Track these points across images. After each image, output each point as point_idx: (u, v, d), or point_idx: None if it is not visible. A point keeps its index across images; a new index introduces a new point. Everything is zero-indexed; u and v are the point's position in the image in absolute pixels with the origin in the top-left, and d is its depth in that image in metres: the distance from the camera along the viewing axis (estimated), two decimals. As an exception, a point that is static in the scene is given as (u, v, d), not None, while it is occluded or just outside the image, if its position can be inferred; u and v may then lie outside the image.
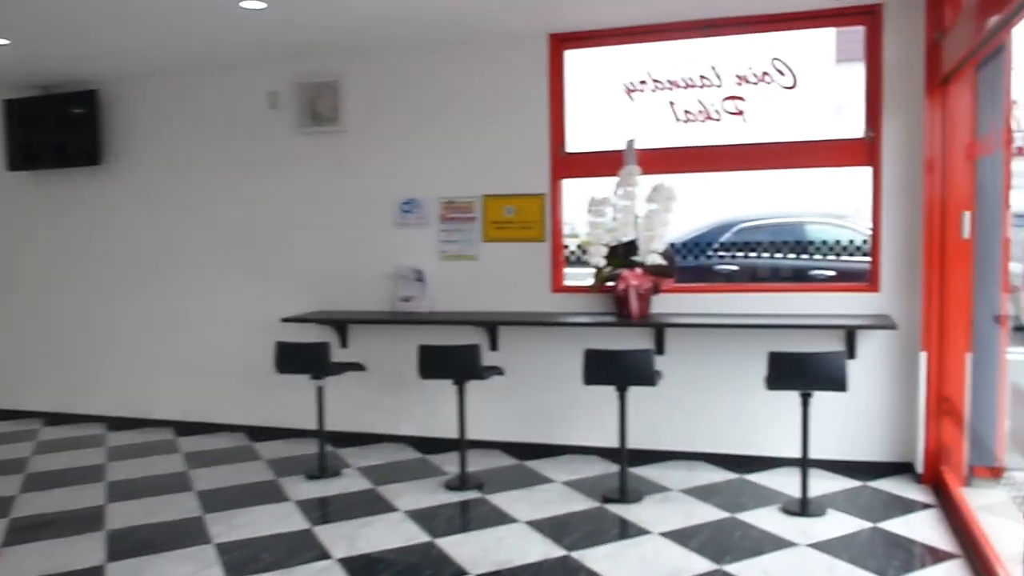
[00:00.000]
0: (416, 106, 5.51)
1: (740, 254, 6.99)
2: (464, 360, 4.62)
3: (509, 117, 5.31)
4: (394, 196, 5.58)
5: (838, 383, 4.01)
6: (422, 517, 4.27)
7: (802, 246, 6.95)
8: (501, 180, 5.35)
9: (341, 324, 5.61)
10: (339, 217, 5.72)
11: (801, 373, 4.07)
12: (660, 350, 4.95)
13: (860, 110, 4.78)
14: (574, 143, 5.30)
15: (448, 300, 5.46)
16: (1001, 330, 4.27)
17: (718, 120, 4.99)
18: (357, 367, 5.21)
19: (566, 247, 5.37)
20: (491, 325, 5.23)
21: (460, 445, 4.78)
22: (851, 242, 5.85)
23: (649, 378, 4.30)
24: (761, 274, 7.07)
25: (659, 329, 4.92)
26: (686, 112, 5.03)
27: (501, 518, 4.23)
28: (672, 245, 5.12)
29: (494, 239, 5.38)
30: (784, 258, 6.94)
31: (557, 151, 5.22)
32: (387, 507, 4.44)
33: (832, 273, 5.89)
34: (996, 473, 4.20)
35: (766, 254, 7.13)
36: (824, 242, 6.15)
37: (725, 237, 8.70)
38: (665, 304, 4.98)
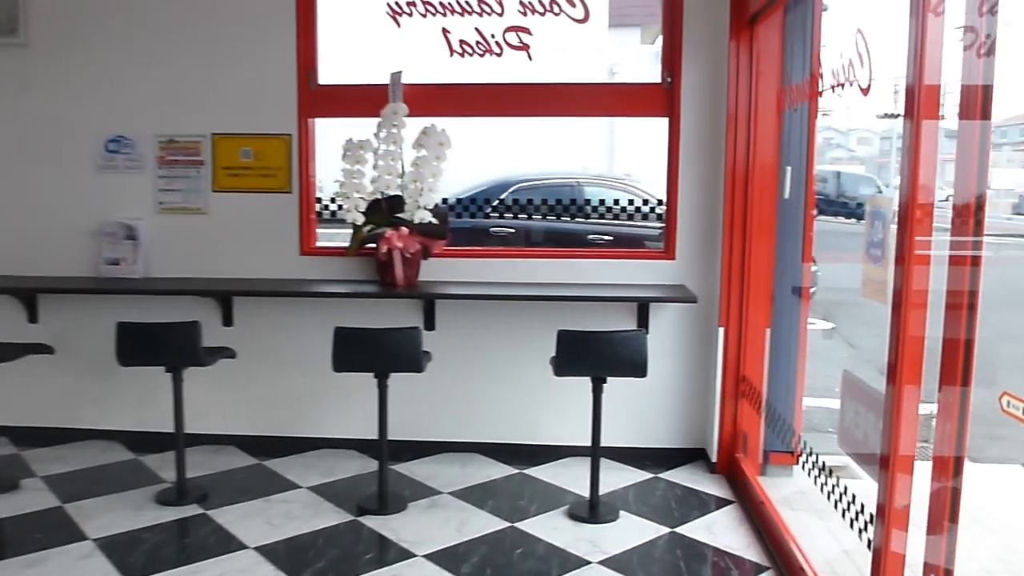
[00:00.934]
0: (127, 15, 4.34)
1: (520, 216, 6.37)
2: (179, 342, 3.61)
3: (247, 37, 4.29)
4: (97, 132, 4.39)
5: (638, 368, 3.42)
6: (118, 547, 3.26)
7: (580, 208, 6.46)
8: (236, 116, 4.32)
9: (27, 294, 4.37)
10: (23, 158, 4.43)
11: (596, 356, 3.46)
12: (429, 325, 4.19)
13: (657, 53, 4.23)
14: (328, 74, 4.37)
15: (169, 264, 4.39)
16: (802, 303, 3.87)
17: (499, 55, 4.24)
18: (43, 349, 4.04)
19: (319, 201, 4.44)
20: (223, 295, 4.24)
21: (176, 446, 3.78)
22: (631, 203, 5.29)
23: (415, 362, 3.52)
24: (537, 239, 6.54)
25: (429, 301, 4.15)
26: (462, 43, 4.24)
27: (224, 544, 3.30)
28: (445, 202, 4.34)
29: (227, 188, 4.36)
30: (566, 222, 6.41)
31: (306, 83, 4.28)
32: (73, 534, 3.39)
33: (609, 239, 5.39)
34: (791, 460, 3.83)
35: (544, 217, 6.57)
36: (603, 203, 5.62)
37: (503, 196, 8.08)
38: (435, 271, 4.22)
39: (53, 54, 4.39)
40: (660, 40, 4.39)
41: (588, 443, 3.61)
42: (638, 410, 4.21)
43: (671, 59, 4.14)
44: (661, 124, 4.22)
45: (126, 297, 4.26)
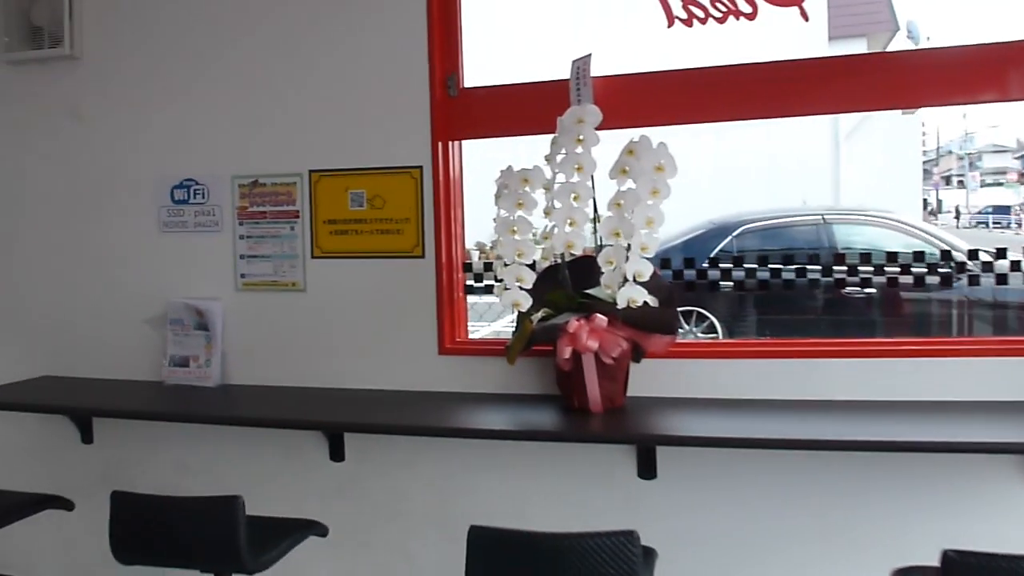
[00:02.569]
0: (196, 15, 3.01)
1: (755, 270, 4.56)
2: (207, 532, 2.10)
3: (354, 31, 2.83)
4: (161, 174, 3.06)
5: None
6: None
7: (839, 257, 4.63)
8: (343, 145, 2.86)
9: (78, 414, 3.08)
10: (67, 215, 3.18)
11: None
12: (647, 471, 2.50)
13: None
14: (477, 74, 2.85)
15: (254, 365, 2.97)
16: None
17: (750, 18, 2.53)
18: (60, 503, 2.69)
19: (468, 268, 2.88)
20: (330, 429, 2.74)
21: None
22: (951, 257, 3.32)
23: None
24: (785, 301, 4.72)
25: (647, 447, 2.46)
26: (688, 4, 2.56)
27: None
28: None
29: (332, 252, 2.89)
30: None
31: (443, 88, 2.75)
32: None
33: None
34: None
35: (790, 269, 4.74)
36: (896, 257, 3.68)
37: (723, 244, 6.31)
38: (651, 376, 2.54)
39: (107, 70, 3.11)
40: None
41: None
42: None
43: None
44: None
45: (189, 429, 2.89)
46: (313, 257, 2.91)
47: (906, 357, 2.40)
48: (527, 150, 2.59)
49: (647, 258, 2.25)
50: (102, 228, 3.14)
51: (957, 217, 24.99)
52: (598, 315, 2.29)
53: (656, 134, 2.37)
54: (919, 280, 2.56)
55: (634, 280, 2.23)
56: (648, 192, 2.28)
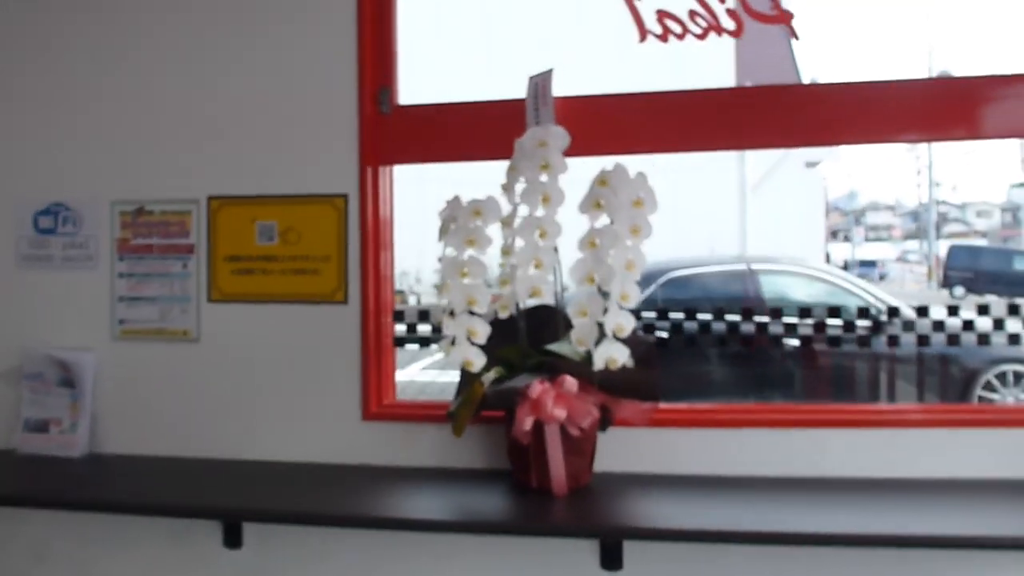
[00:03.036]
0: (76, 10, 2.50)
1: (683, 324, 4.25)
2: None
3: (270, 34, 2.38)
4: (21, 198, 2.52)
5: None
6: None
7: (771, 308, 4.44)
8: (250, 167, 2.39)
9: None
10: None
11: None
12: (611, 563, 2.08)
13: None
14: (414, 90, 2.44)
15: (132, 432, 2.43)
16: None
17: (734, 33, 2.21)
18: None
19: (399, 317, 2.44)
20: (226, 517, 2.22)
21: None
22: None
23: None
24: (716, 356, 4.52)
25: (614, 542, 2.03)
26: (663, 17, 2.22)
27: None
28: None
29: (234, 296, 2.40)
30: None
31: (374, 104, 2.33)
32: None
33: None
34: None
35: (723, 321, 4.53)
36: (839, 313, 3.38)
37: (648, 292, 6.07)
38: (616, 447, 2.14)
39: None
40: None
41: None
42: None
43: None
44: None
45: (50, 515, 2.31)
46: (210, 300, 2.41)
47: (920, 428, 2.08)
48: (471, 178, 2.20)
49: (625, 314, 1.86)
50: (-56, 261, 2.56)
51: (845, 268, 26.21)
52: (567, 377, 1.88)
53: (632, 163, 2.00)
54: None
55: (614, 336, 1.84)
56: (627, 230, 1.90)
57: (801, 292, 5.92)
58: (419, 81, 2.51)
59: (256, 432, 2.36)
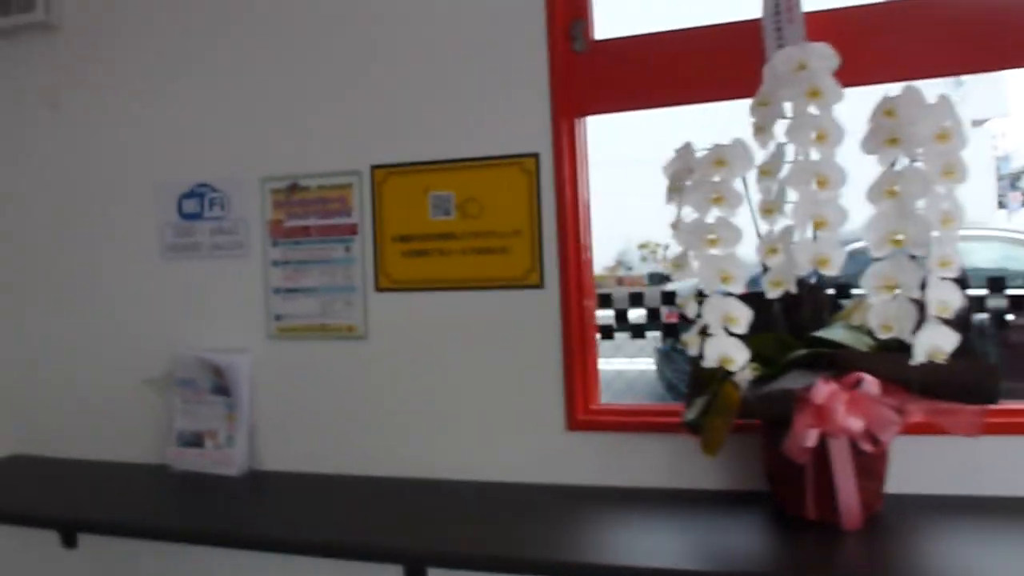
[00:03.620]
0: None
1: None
2: None
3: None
4: (165, 180, 2.21)
5: None
6: None
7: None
8: (418, 128, 1.99)
9: (45, 523, 2.19)
10: (32, 233, 2.35)
11: None
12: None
13: None
14: (612, 22, 1.99)
15: (296, 445, 2.09)
16: None
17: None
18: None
19: (604, 301, 1.99)
20: (408, 561, 1.82)
21: None
22: None
23: None
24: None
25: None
26: None
27: None
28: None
29: (405, 283, 2.01)
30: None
31: (564, 40, 1.89)
32: None
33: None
34: None
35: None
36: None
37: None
38: (915, 458, 1.63)
39: (96, 43, 2.28)
40: None
41: None
42: None
43: None
44: None
45: (211, 551, 1.99)
46: (378, 290, 2.03)
47: None
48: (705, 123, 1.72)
49: (951, 286, 1.35)
50: (82, 255, 2.29)
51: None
52: (864, 375, 1.38)
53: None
54: None
55: (938, 317, 1.32)
56: (938, 172, 1.38)
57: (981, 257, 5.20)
58: (613, 11, 2.06)
59: (436, 446, 1.97)
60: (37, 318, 2.33)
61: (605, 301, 1.98)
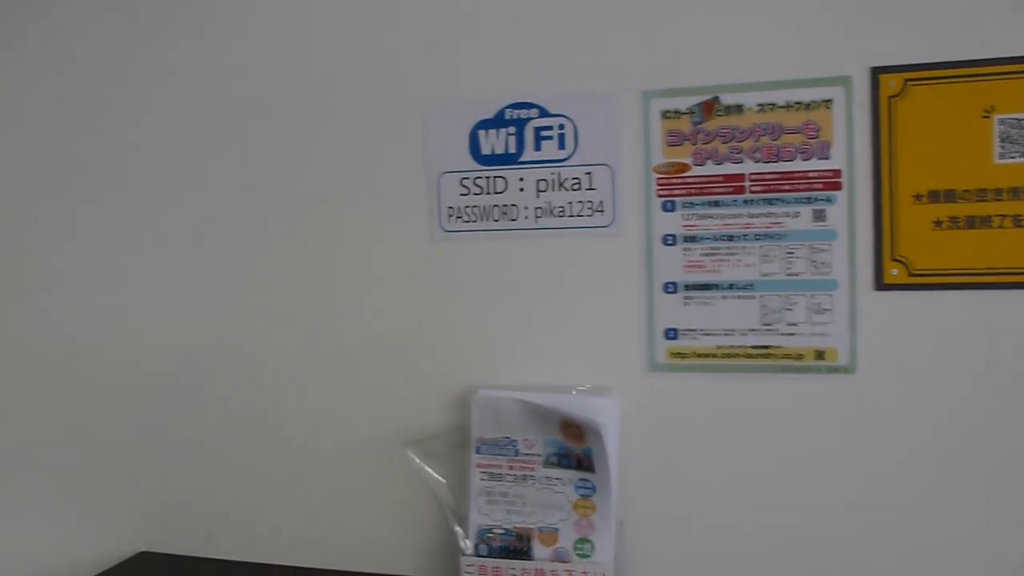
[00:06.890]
0: None
1: None
2: None
3: None
4: (455, 107, 1.31)
5: None
6: None
7: None
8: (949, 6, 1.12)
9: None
10: (238, 201, 1.44)
11: None
12: None
13: None
14: None
15: (688, 551, 1.21)
16: None
17: None
18: None
19: None
20: None
21: None
22: None
23: None
24: None
25: None
26: None
27: None
28: None
29: (935, 277, 1.13)
30: None
31: None
32: None
33: None
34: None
35: None
36: None
37: None
38: None
39: None
40: None
41: None
42: None
43: None
44: None
45: None
46: (879, 287, 1.14)
47: None
48: None
49: None
50: (317, 233, 1.39)
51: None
52: None
53: None
54: None
55: None
56: None
57: None
58: None
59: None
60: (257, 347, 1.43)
61: None
